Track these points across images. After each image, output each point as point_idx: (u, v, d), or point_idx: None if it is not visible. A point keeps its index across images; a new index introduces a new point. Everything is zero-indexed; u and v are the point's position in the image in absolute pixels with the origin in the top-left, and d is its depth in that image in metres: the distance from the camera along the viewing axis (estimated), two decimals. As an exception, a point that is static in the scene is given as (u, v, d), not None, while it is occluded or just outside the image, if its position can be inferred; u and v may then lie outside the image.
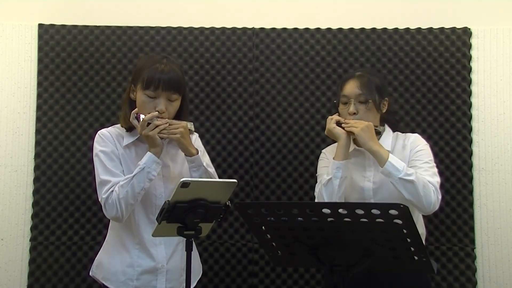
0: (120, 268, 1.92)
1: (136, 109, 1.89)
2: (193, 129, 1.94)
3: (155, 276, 1.92)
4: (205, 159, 2.01)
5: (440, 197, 1.92)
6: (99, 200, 1.89)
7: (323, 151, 2.18)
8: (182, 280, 1.96)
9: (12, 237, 2.72)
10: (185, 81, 1.99)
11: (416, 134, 2.09)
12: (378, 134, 2.02)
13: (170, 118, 1.91)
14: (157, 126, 1.83)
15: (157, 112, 1.86)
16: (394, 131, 2.11)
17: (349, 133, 1.98)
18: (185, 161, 1.98)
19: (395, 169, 1.88)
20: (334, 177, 1.95)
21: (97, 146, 1.93)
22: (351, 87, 2.01)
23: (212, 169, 2.00)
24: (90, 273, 2.03)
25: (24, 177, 2.73)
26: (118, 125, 2.00)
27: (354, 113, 2.00)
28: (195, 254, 1.95)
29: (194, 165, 1.91)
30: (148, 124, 1.83)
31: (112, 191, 1.84)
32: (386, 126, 2.10)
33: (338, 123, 2.00)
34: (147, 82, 1.87)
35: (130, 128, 1.96)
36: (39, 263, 2.69)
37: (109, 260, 1.95)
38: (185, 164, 2.00)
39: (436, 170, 2.00)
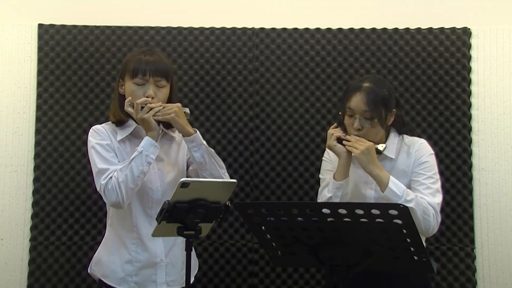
0: (119, 265, 1.92)
1: (130, 98, 1.91)
2: (188, 112, 1.95)
3: (154, 270, 1.92)
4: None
5: (439, 219, 1.91)
6: (98, 189, 1.89)
7: (327, 149, 2.16)
8: (183, 273, 1.96)
9: (12, 237, 2.72)
10: (173, 69, 2.02)
11: (422, 141, 2.04)
12: (379, 153, 1.96)
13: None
14: (151, 109, 1.85)
15: (150, 98, 1.88)
16: (400, 133, 2.06)
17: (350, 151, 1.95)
18: (179, 155, 2.00)
19: (395, 195, 1.86)
20: (334, 196, 1.95)
21: (92, 140, 1.93)
22: (357, 102, 1.94)
23: (213, 151, 2.00)
24: (88, 270, 2.03)
25: (24, 177, 2.73)
26: (110, 122, 2.01)
27: (359, 129, 1.94)
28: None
29: (194, 144, 1.91)
30: (143, 108, 1.85)
31: (111, 177, 1.84)
32: (391, 130, 2.05)
33: (339, 139, 1.96)
34: (134, 70, 1.90)
35: (119, 122, 1.97)
36: (39, 263, 2.69)
37: (108, 257, 1.96)
38: (179, 158, 2.01)
39: (439, 185, 1.97)
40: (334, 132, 1.99)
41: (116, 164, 1.89)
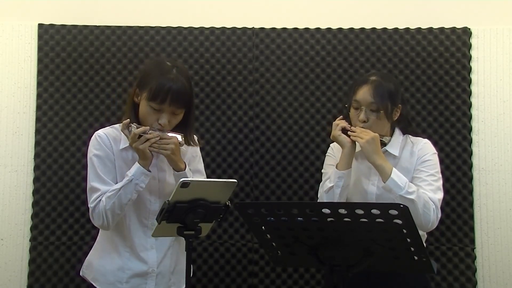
0: (110, 270, 1.91)
1: (127, 120, 1.84)
2: (183, 142, 1.89)
3: (144, 279, 1.90)
4: (199, 166, 2.00)
5: (439, 215, 1.91)
6: (88, 205, 1.87)
7: (331, 145, 2.16)
8: (171, 283, 1.96)
9: (12, 237, 2.72)
10: (193, 93, 1.93)
11: (425, 141, 2.05)
12: (384, 145, 1.98)
13: (171, 128, 1.87)
14: (147, 140, 1.79)
15: (148, 127, 1.81)
16: (404, 133, 2.07)
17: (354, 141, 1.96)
18: None
19: (397, 186, 1.86)
20: (335, 186, 1.94)
21: (92, 149, 1.89)
22: (364, 94, 1.95)
23: (202, 177, 1.98)
24: (80, 273, 2.01)
25: (24, 177, 2.73)
26: (117, 125, 1.96)
27: (365, 121, 1.95)
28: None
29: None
30: (139, 136, 1.79)
31: (100, 200, 1.83)
32: (396, 129, 2.06)
33: (344, 130, 1.97)
34: (154, 94, 1.80)
35: None
36: (39, 263, 2.69)
37: (99, 261, 1.94)
38: None
39: (440, 183, 1.97)
40: (339, 122, 2.00)
41: (108, 183, 1.85)
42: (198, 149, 2.04)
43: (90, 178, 1.88)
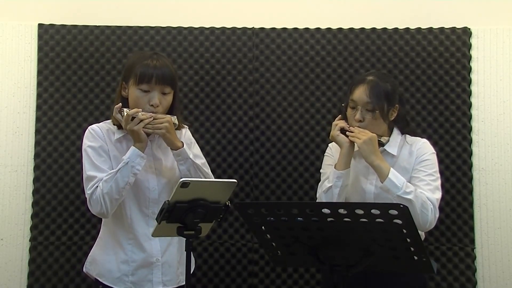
0: (115, 264, 1.92)
1: (119, 104, 1.88)
2: (177, 123, 1.92)
3: (150, 270, 1.91)
4: (195, 150, 2.02)
5: (437, 215, 1.91)
6: (86, 195, 1.88)
7: (329, 145, 2.16)
8: (179, 273, 1.97)
9: (12, 237, 2.72)
10: (177, 76, 1.99)
11: (424, 141, 2.05)
12: (382, 145, 1.98)
13: (164, 111, 1.91)
14: (141, 121, 1.82)
15: (141, 109, 1.84)
16: (403, 133, 2.07)
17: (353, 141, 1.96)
18: None
19: (394, 186, 1.86)
20: (334, 185, 1.95)
21: (86, 142, 1.92)
22: (360, 93, 1.96)
23: (202, 160, 1.99)
24: (83, 269, 2.02)
25: (24, 177, 2.73)
26: (109, 121, 1.99)
27: (360, 121, 1.96)
28: None
29: (180, 158, 1.90)
30: (133, 118, 1.82)
31: (97, 186, 1.84)
32: (394, 129, 2.06)
33: (343, 130, 1.97)
34: (140, 77, 1.86)
35: (120, 125, 1.94)
36: (39, 263, 2.69)
37: (103, 257, 1.95)
38: None
39: (439, 183, 1.97)
40: (338, 123, 2.01)
41: (104, 171, 1.87)
42: (190, 135, 2.07)
43: (86, 168, 1.89)
